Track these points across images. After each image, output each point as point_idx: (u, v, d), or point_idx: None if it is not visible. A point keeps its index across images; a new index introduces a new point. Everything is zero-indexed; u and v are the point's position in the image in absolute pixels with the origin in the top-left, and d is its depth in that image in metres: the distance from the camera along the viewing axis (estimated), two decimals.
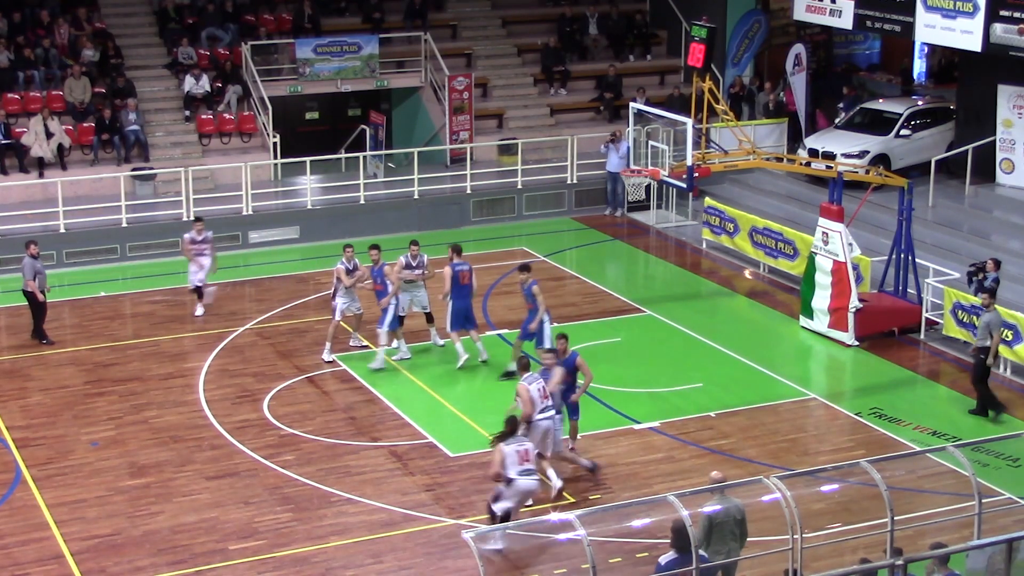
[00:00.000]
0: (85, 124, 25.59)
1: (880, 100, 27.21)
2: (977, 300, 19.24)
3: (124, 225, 24.04)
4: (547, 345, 17.53)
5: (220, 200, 24.95)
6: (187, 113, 26.67)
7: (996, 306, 18.04)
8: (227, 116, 26.79)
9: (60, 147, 24.96)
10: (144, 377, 18.99)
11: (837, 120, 26.88)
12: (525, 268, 18.69)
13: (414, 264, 19.41)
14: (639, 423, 17.58)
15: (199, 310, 21.27)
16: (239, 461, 16.47)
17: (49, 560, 14.27)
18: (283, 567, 14.18)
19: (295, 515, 15.18)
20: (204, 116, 26.63)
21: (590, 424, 17.44)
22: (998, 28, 21.81)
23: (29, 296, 19.93)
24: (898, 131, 25.35)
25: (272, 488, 15.80)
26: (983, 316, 17.95)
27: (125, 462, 16.41)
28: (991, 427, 17.47)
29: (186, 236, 21.31)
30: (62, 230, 23.65)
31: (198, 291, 21.33)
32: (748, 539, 14.17)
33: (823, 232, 20.40)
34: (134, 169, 25.19)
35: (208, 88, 26.80)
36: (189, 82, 26.66)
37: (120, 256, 23.89)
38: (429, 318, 19.84)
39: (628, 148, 22.60)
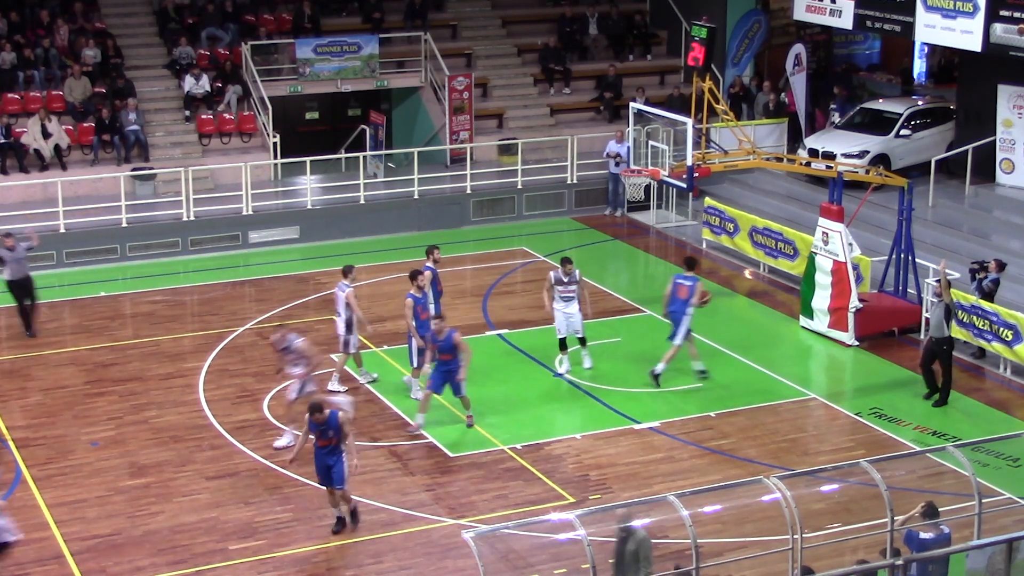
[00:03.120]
0: (85, 124, 25.59)
1: (880, 100, 27.22)
2: (974, 299, 19.27)
3: (124, 225, 24.04)
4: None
5: (220, 200, 24.95)
6: (187, 113, 26.67)
7: (955, 294, 18.47)
8: (227, 116, 26.79)
9: (57, 147, 24.94)
10: (144, 377, 18.99)
11: (832, 120, 26.90)
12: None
13: (565, 280, 18.57)
14: (639, 423, 17.57)
15: None
16: (239, 461, 16.47)
17: (49, 560, 14.28)
18: (283, 567, 14.18)
19: (295, 515, 15.17)
20: (204, 116, 26.62)
21: (591, 424, 17.46)
22: (998, 28, 21.81)
23: (15, 286, 20.05)
24: (898, 131, 25.35)
25: (272, 488, 15.79)
26: (935, 308, 18.03)
27: (125, 462, 16.40)
28: (991, 427, 17.46)
29: None
30: (62, 230, 23.65)
31: None
32: (748, 539, 14.21)
33: (823, 232, 20.40)
34: (134, 169, 25.19)
35: (208, 88, 26.80)
36: (189, 82, 26.67)
37: (120, 256, 23.89)
38: (583, 342, 19.03)
39: (628, 148, 22.60)
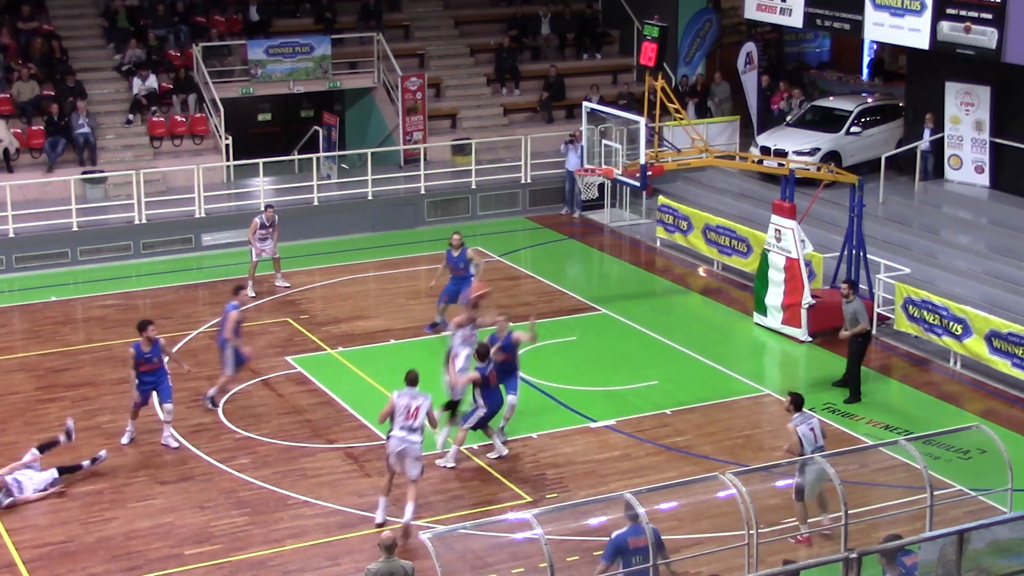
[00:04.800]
0: (34, 127, 25.30)
1: (831, 98, 27.48)
2: (925, 293, 19.47)
3: (75, 229, 23.81)
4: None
5: (172, 203, 24.76)
6: (130, 117, 26.21)
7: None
8: (179, 118, 26.58)
9: (6, 151, 24.63)
10: (97, 382, 18.81)
11: (788, 118, 27.13)
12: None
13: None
14: (595, 421, 17.62)
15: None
16: (194, 465, 16.36)
17: (1, 569, 14.11)
18: (239, 571, 14.10)
19: (251, 519, 15.10)
20: (156, 119, 26.38)
21: (547, 423, 17.49)
22: (945, 26, 22.09)
23: None
24: (848, 128, 25.59)
25: (228, 492, 15.70)
26: (847, 306, 18.22)
27: None
28: (942, 420, 17.64)
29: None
30: (11, 235, 23.38)
31: None
32: (705, 535, 14.28)
33: (776, 229, 20.55)
34: (84, 172, 24.94)
35: (156, 86, 26.55)
36: (137, 84, 26.44)
37: (71, 260, 23.65)
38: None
39: (582, 148, 22.65)
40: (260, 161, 25.66)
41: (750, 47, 27.80)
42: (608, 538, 12.24)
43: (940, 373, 19.32)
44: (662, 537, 12.28)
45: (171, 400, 16.75)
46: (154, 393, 16.85)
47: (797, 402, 14.47)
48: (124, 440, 16.85)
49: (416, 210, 26.17)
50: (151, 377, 16.69)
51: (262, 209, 22.66)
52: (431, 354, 19.88)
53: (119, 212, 24.39)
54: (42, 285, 22.73)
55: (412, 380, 14.77)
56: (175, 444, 16.78)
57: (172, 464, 16.38)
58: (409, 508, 14.55)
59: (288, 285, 22.35)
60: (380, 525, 14.62)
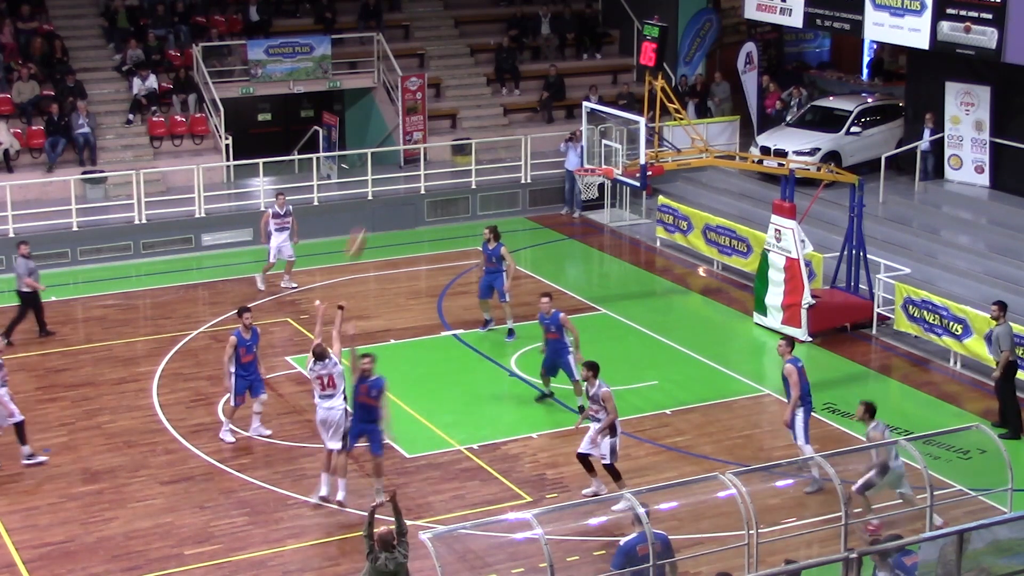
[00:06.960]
0: (34, 127, 25.30)
1: (831, 97, 27.48)
2: (924, 293, 19.46)
3: (75, 229, 23.81)
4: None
5: (172, 203, 24.76)
6: (131, 116, 26.23)
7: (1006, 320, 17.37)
8: (179, 118, 26.59)
9: (6, 152, 24.62)
10: (97, 382, 18.82)
11: (788, 118, 27.14)
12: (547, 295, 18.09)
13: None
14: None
15: None
16: (194, 465, 16.36)
17: (0, 569, 14.11)
18: (239, 571, 14.10)
19: (251, 519, 15.10)
20: (156, 119, 26.38)
21: (547, 423, 17.48)
22: (945, 26, 22.09)
23: (27, 295, 19.94)
24: (848, 128, 25.59)
25: (227, 492, 15.70)
26: (994, 330, 17.40)
27: (78, 468, 16.24)
28: (942, 420, 17.61)
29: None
30: (11, 235, 23.37)
31: None
32: (705, 535, 14.29)
33: (776, 229, 20.55)
34: (84, 172, 24.94)
35: (156, 86, 26.56)
36: (137, 84, 26.44)
37: (71, 260, 23.64)
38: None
39: (582, 148, 22.65)
40: (260, 161, 25.65)
41: (750, 47, 27.80)
42: (617, 545, 12.19)
43: (940, 373, 19.31)
44: (671, 540, 12.27)
45: (265, 391, 16.86)
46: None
47: (872, 410, 14.70)
48: (229, 438, 16.74)
49: (416, 210, 26.17)
50: (249, 370, 16.56)
51: (273, 198, 22.57)
52: (432, 354, 19.92)
53: (119, 212, 24.39)
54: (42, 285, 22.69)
55: (318, 355, 15.07)
56: (268, 432, 16.93)
57: (172, 464, 16.38)
58: (340, 484, 14.91)
59: (295, 286, 22.33)
60: (319, 501, 15.00)
